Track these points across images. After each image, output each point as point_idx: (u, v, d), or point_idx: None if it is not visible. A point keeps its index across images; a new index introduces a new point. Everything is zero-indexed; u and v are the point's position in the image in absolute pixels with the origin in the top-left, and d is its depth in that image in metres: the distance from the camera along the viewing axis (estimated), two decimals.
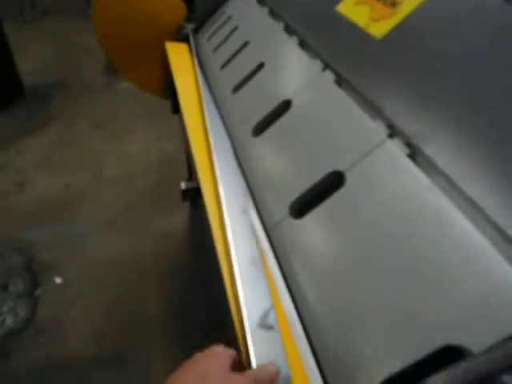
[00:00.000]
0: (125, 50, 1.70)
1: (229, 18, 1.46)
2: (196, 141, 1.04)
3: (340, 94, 0.84)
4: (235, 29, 1.36)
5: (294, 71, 1.02)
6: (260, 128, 0.97)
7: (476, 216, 0.54)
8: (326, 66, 0.93)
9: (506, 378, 0.37)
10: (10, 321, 1.74)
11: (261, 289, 0.67)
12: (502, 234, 0.50)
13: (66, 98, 3.31)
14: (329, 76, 0.90)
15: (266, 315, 0.64)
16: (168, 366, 1.54)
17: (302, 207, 0.76)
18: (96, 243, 2.10)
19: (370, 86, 0.80)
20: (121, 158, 2.70)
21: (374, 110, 0.76)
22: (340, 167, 0.73)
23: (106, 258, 2.03)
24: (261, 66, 1.12)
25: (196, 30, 1.63)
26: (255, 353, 0.57)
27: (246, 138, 0.99)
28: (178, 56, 1.49)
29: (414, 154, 0.66)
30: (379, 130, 0.71)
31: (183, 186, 1.28)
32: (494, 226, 0.51)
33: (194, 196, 1.29)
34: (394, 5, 0.90)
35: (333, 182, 0.74)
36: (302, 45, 1.05)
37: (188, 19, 1.68)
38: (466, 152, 0.59)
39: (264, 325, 0.62)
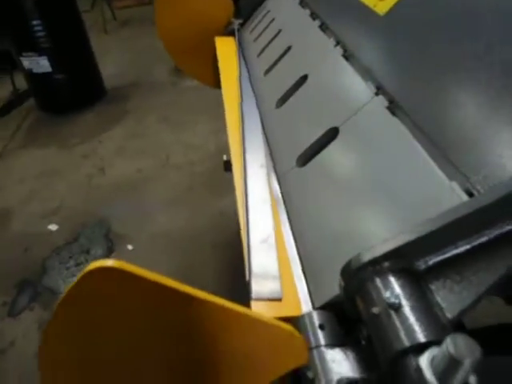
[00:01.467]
0: (184, 48, 1.96)
1: (267, 12, 1.64)
2: (230, 112, 1.24)
3: (345, 66, 0.98)
4: (272, 20, 1.54)
5: (313, 50, 1.17)
6: (282, 101, 1.14)
7: (432, 150, 0.66)
8: (338, 43, 1.07)
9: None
10: None
11: (267, 219, 0.85)
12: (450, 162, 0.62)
13: (139, 97, 3.74)
14: (339, 51, 1.04)
15: (268, 237, 0.81)
16: None
17: (306, 159, 0.92)
18: (162, 218, 2.42)
19: (366, 55, 0.93)
20: (184, 148, 3.01)
21: (366, 73, 0.89)
22: (336, 124, 0.88)
23: (170, 230, 2.33)
24: (288, 50, 1.29)
25: (242, 25, 1.83)
26: (255, 258, 0.75)
27: (270, 109, 1.17)
28: (224, 48, 1.71)
29: (394, 108, 0.78)
30: (369, 88, 0.85)
31: (225, 157, 1.49)
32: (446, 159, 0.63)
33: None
34: None
35: (331, 137, 0.89)
36: (322, 27, 1.20)
37: (235, 15, 1.89)
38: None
39: (265, 242, 0.80)
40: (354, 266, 0.55)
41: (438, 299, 0.51)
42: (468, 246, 0.51)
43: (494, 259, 0.50)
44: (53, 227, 2.39)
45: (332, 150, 0.85)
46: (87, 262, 2.17)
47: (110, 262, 0.40)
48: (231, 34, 1.82)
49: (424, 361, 0.43)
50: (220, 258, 2.15)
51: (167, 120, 3.36)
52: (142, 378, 0.49)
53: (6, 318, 1.87)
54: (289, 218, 0.86)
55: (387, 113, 0.78)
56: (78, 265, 2.15)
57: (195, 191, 2.61)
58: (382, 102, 0.80)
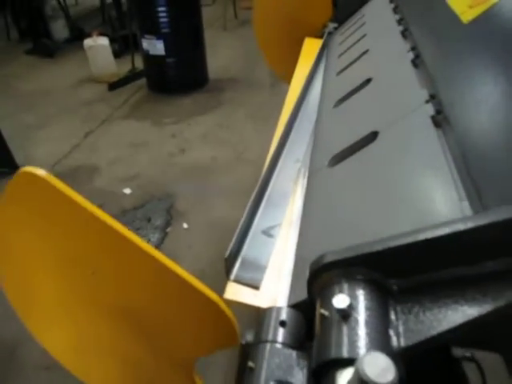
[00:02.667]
0: (275, 45, 2.00)
1: (361, 16, 1.58)
2: (286, 109, 1.22)
3: (409, 71, 0.90)
4: (362, 25, 1.48)
5: (386, 54, 1.09)
6: (340, 101, 1.09)
7: (460, 166, 0.57)
8: (413, 48, 0.98)
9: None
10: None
11: (279, 210, 0.82)
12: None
13: (236, 91, 3.90)
14: (410, 56, 0.96)
15: (272, 228, 0.78)
16: None
17: (338, 159, 0.86)
18: (222, 205, 2.48)
19: (435, 62, 0.84)
20: (261, 145, 3.05)
21: (427, 80, 0.80)
22: (378, 128, 0.81)
23: (226, 218, 2.38)
24: (365, 52, 1.22)
25: (336, 28, 1.79)
26: (251, 244, 0.73)
27: (328, 108, 1.12)
28: (310, 48, 1.70)
29: (439, 119, 0.69)
30: (421, 97, 0.76)
31: None
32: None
33: None
34: None
35: (369, 140, 0.82)
36: (404, 33, 1.11)
37: (333, 19, 1.87)
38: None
39: (267, 233, 0.77)
40: (317, 265, 0.50)
41: (400, 323, 0.43)
42: (447, 277, 0.43)
43: (468, 301, 0.41)
44: (127, 191, 2.61)
45: (364, 154, 0.78)
46: (146, 229, 2.33)
47: (39, 171, 0.42)
48: (322, 36, 1.80)
49: (342, 377, 0.37)
50: None
51: (255, 117, 3.44)
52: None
53: None
54: (302, 215, 0.81)
55: (429, 123, 0.69)
56: (137, 229, 2.32)
57: None
58: (428, 110, 0.72)
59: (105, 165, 2.88)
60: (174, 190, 2.61)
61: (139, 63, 4.01)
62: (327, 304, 0.47)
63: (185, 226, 2.35)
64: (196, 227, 2.34)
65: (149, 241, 2.24)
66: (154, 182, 2.70)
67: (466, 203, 0.49)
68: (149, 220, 2.40)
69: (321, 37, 1.80)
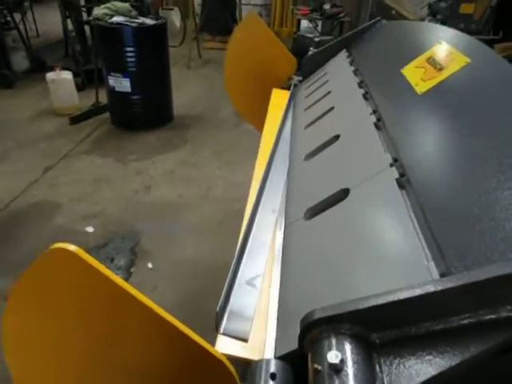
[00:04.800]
0: (243, 94, 2.11)
1: (324, 74, 1.74)
2: (261, 158, 1.30)
3: (373, 133, 1.01)
4: (325, 82, 1.63)
5: (351, 113, 1.22)
6: (311, 155, 1.19)
7: (425, 228, 0.66)
8: (375, 112, 1.11)
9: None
10: None
11: (260, 260, 0.87)
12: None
13: (201, 130, 3.99)
14: (372, 118, 1.08)
15: (255, 278, 0.83)
16: None
17: (313, 213, 0.94)
18: (188, 244, 2.48)
19: (395, 127, 0.96)
20: (227, 184, 3.13)
21: (389, 143, 0.91)
22: (348, 185, 0.89)
23: (193, 258, 2.38)
24: (330, 110, 1.35)
25: (301, 81, 1.94)
26: (236, 295, 0.76)
27: (299, 161, 1.22)
28: (278, 100, 1.82)
29: (403, 181, 0.79)
30: (385, 159, 0.87)
31: None
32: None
33: None
34: (441, 69, 1.05)
35: (341, 197, 0.90)
36: (365, 95, 1.25)
37: (297, 72, 2.02)
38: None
39: (250, 283, 0.82)
40: (307, 321, 0.55)
41: (384, 375, 0.49)
42: (421, 331, 0.50)
43: (440, 353, 0.48)
44: (89, 229, 2.54)
45: (338, 209, 0.87)
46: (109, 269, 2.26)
47: (71, 247, 0.44)
48: (289, 88, 1.93)
49: None
50: None
51: (220, 156, 3.52)
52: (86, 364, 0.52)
53: None
54: (282, 265, 0.87)
55: (395, 185, 0.79)
56: None
57: (226, 226, 2.67)
58: (393, 173, 0.82)
59: (66, 202, 2.79)
60: (138, 229, 2.58)
61: (102, 98, 4.02)
62: (319, 358, 0.52)
63: (150, 265, 2.32)
64: (161, 267, 2.32)
65: None
66: (117, 220, 2.66)
67: (432, 264, 0.57)
68: (112, 260, 2.34)
69: (287, 88, 1.94)
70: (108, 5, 3.39)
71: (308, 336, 0.56)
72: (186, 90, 4.89)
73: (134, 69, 3.56)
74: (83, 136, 3.71)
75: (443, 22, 3.62)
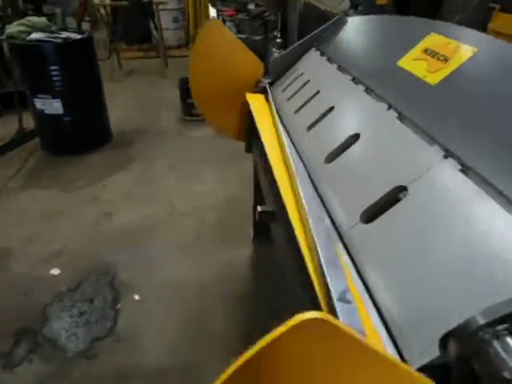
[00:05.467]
0: (212, 102, 2.03)
1: (301, 74, 1.74)
2: (278, 168, 1.27)
3: (402, 127, 1.04)
4: (307, 82, 1.63)
5: (362, 111, 1.24)
6: (331, 157, 1.18)
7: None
8: (390, 107, 1.13)
9: None
10: (94, 329, 1.98)
11: (339, 276, 0.84)
12: None
13: (145, 143, 3.78)
14: (392, 113, 1.10)
15: (344, 293, 0.80)
16: None
17: (371, 215, 0.93)
18: (169, 267, 2.34)
19: (426, 120, 0.99)
20: (191, 196, 3.01)
21: (430, 137, 0.94)
22: (403, 182, 0.90)
23: (178, 279, 2.25)
24: (331, 109, 1.35)
25: (271, 84, 1.92)
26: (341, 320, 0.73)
27: (318, 164, 1.20)
28: (258, 104, 1.79)
29: (466, 170, 0.82)
30: (436, 152, 0.89)
31: (259, 209, 1.49)
32: None
33: (269, 218, 1.50)
34: (446, 60, 1.11)
35: (395, 195, 0.91)
36: (368, 91, 1.28)
37: (264, 75, 2.00)
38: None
39: (343, 299, 0.78)
40: (469, 329, 0.54)
41: None
42: None
43: None
44: (55, 271, 2.27)
45: (402, 208, 0.87)
46: (92, 312, 2.05)
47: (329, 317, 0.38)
48: (260, 91, 1.90)
49: None
50: (231, 310, 2.07)
51: (174, 168, 3.38)
52: None
53: (2, 372, 1.70)
54: (359, 275, 0.85)
55: (461, 174, 0.81)
56: (81, 314, 2.02)
57: (203, 240, 2.57)
58: (453, 164, 0.84)
59: (16, 246, 2.46)
60: (111, 261, 2.37)
61: (27, 123, 3.61)
62: (501, 363, 0.51)
63: (136, 297, 2.14)
64: (149, 296, 2.16)
65: (101, 325, 1.98)
66: (84, 255, 2.41)
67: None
68: (91, 301, 2.12)
69: (259, 92, 1.90)
70: (22, 21, 3.03)
71: (470, 343, 0.55)
72: (117, 104, 4.59)
73: (64, 88, 3.24)
74: (14, 170, 3.30)
75: (364, 14, 3.87)
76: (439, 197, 0.82)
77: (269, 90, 1.81)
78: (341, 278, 0.82)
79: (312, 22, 3.94)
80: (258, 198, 2.43)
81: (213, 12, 8.26)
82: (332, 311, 0.75)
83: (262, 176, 1.71)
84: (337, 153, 1.18)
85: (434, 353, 0.63)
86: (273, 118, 1.62)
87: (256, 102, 1.81)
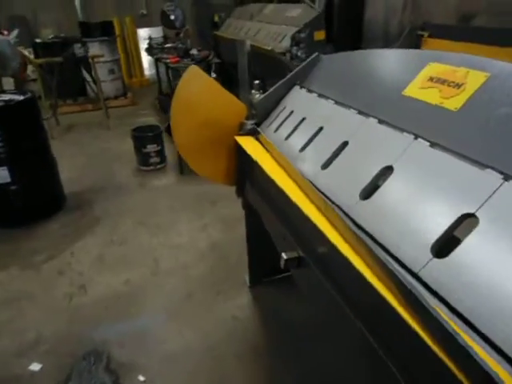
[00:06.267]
0: (198, 151, 1.95)
1: (292, 112, 1.73)
2: (308, 209, 1.21)
3: (439, 154, 1.04)
4: (303, 119, 1.62)
5: (384, 142, 1.23)
6: (366, 193, 1.15)
7: None
8: (417, 136, 1.14)
9: None
10: None
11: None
12: None
13: (106, 201, 3.53)
14: (423, 142, 1.11)
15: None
16: None
17: (441, 247, 0.90)
18: (166, 335, 2.12)
19: (463, 146, 1.00)
20: (172, 250, 2.82)
21: (478, 163, 0.94)
22: (470, 210, 0.89)
23: (181, 348, 2.04)
24: (345, 144, 1.34)
25: (257, 125, 1.89)
26: None
27: (354, 201, 1.16)
28: (252, 146, 1.74)
29: None
30: (494, 175, 0.89)
31: (284, 256, 1.41)
32: None
33: (297, 264, 1.41)
34: (459, 86, 1.15)
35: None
36: (382, 123, 1.28)
37: (248, 118, 1.97)
38: None
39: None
40: None
41: None
42: None
43: None
44: (35, 367, 1.93)
45: (478, 240, 0.85)
46: None
47: None
48: (249, 133, 1.86)
49: None
50: (249, 371, 1.91)
51: (144, 223, 3.16)
52: None
53: None
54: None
55: None
56: None
57: (196, 297, 2.39)
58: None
59: None
60: (99, 340, 2.09)
61: None
62: None
63: (141, 378, 1.89)
64: (155, 374, 1.92)
65: None
66: (65, 339, 2.11)
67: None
68: None
69: (248, 134, 1.86)
70: None
71: None
72: (63, 163, 4.27)
73: (9, 154, 2.94)
74: None
75: (306, 50, 4.08)
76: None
77: (262, 131, 1.78)
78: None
79: (260, 62, 4.07)
80: (255, 243, 2.33)
81: (145, 61, 8.27)
82: None
83: (272, 219, 1.63)
84: (372, 188, 1.15)
85: None
86: (275, 157, 1.57)
87: (249, 144, 1.76)
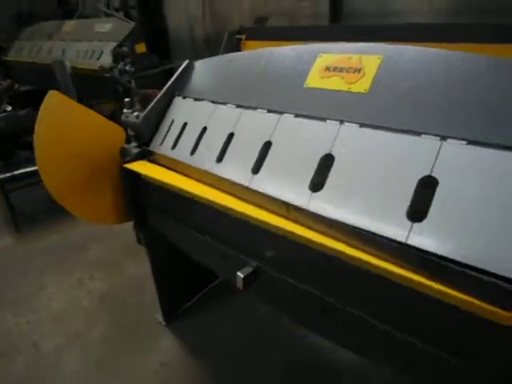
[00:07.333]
0: (76, 191, 1.59)
1: (185, 124, 1.59)
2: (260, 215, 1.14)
3: (369, 133, 1.13)
4: (204, 129, 1.52)
5: (312, 135, 1.25)
6: (317, 184, 1.16)
7: None
8: (342, 121, 1.21)
9: None
10: None
11: None
12: None
13: None
14: (350, 125, 1.18)
15: None
16: None
17: (415, 213, 0.98)
18: None
19: (390, 121, 1.11)
20: (52, 323, 2.26)
21: (412, 132, 1.07)
22: (426, 173, 0.99)
23: None
24: (268, 145, 1.31)
25: (147, 145, 1.68)
26: None
27: (306, 196, 1.16)
28: (149, 169, 1.54)
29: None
30: (431, 138, 1.02)
31: (241, 275, 1.28)
32: None
33: (254, 278, 1.31)
34: (358, 71, 1.27)
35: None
36: (300, 116, 1.30)
37: (128, 141, 1.73)
38: None
39: None
40: None
41: None
42: None
43: None
44: None
45: (444, 194, 0.96)
46: None
47: None
48: (137, 158, 1.63)
49: None
50: None
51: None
52: None
53: None
54: None
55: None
56: None
57: (107, 363, 1.99)
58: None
59: None
60: None
61: None
62: None
63: None
64: None
65: None
66: None
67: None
68: None
69: (133, 160, 1.63)
70: None
71: None
72: None
73: None
74: None
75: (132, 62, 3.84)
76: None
77: (155, 150, 1.58)
78: None
79: (84, 80, 3.67)
80: (165, 276, 2.08)
81: None
82: None
83: (202, 244, 1.48)
84: (320, 178, 1.16)
85: None
86: (187, 173, 1.44)
87: (145, 168, 1.56)
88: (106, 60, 3.84)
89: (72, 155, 1.55)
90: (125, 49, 3.71)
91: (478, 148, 0.96)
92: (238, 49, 4.10)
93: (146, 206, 1.72)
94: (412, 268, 0.92)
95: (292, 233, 1.11)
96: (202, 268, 2.34)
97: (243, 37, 4.02)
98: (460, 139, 0.99)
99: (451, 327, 0.93)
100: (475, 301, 0.82)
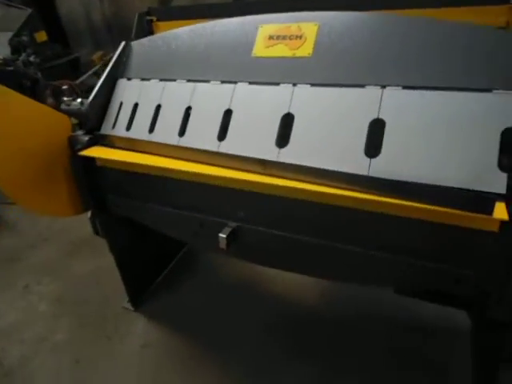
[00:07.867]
0: (25, 184, 1.52)
1: (136, 105, 1.60)
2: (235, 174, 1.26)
3: (321, 90, 1.30)
4: (159, 107, 1.55)
5: (268, 99, 1.37)
6: (282, 141, 1.30)
7: None
8: (294, 84, 1.35)
9: None
10: None
11: None
12: None
13: None
14: (302, 86, 1.33)
15: None
16: None
17: (371, 150, 1.18)
18: None
19: (337, 78, 1.29)
20: (5, 333, 2.12)
21: (358, 85, 1.26)
22: (374, 116, 1.19)
23: None
24: (229, 113, 1.41)
25: (96, 130, 1.65)
26: None
27: (275, 152, 1.29)
28: (108, 153, 1.54)
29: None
30: (374, 88, 1.22)
31: (224, 235, 1.37)
32: None
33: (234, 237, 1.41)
34: (300, 37, 1.42)
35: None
36: (252, 83, 1.42)
37: (74, 129, 1.68)
38: None
39: None
40: None
41: None
42: None
43: None
44: None
45: (392, 133, 1.17)
46: None
47: None
48: (89, 144, 1.60)
49: None
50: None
51: None
52: None
53: None
54: None
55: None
56: None
57: (84, 359, 1.96)
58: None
59: None
60: None
61: None
62: None
63: None
64: None
65: None
66: None
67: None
68: None
69: (88, 146, 1.60)
70: None
71: None
72: None
73: None
74: None
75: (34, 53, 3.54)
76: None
77: (110, 134, 1.57)
78: None
79: None
80: (128, 264, 2.07)
81: None
82: None
83: (174, 217, 1.53)
84: (284, 136, 1.31)
85: None
86: (151, 151, 1.48)
87: (104, 152, 1.55)
88: (3, 52, 3.48)
89: (18, 149, 1.47)
90: (24, 38, 3.39)
91: (411, 91, 1.18)
92: (150, 30, 4.01)
93: (106, 192, 1.70)
94: (384, 194, 1.11)
95: (270, 185, 1.24)
96: (161, 248, 2.41)
97: (154, 18, 3.93)
98: (396, 86, 1.21)
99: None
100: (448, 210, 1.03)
